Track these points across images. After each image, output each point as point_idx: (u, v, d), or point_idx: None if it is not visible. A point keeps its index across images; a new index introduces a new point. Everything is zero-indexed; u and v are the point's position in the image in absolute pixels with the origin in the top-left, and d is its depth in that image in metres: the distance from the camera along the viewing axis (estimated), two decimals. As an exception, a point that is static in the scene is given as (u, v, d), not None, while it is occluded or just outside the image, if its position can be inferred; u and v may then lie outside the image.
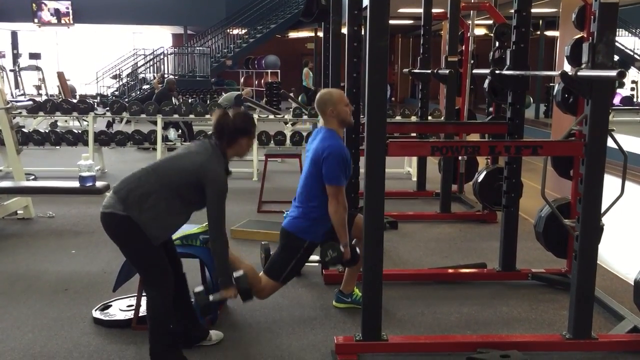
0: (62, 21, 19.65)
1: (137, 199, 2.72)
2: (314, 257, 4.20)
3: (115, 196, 2.75)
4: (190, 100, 13.34)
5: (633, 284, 2.98)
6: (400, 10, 14.27)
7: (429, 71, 6.23)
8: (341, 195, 3.25)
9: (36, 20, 19.48)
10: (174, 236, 3.31)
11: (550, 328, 3.38)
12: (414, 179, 7.33)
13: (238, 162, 8.33)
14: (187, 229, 3.41)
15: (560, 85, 3.53)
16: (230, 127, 2.91)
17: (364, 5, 3.71)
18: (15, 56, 21.70)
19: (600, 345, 3.03)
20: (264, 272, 3.40)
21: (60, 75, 15.51)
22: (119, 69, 20.55)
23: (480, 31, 15.42)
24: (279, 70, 20.58)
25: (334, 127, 3.36)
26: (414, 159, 7.56)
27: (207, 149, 2.88)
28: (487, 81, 4.84)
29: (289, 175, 7.45)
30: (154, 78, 15.94)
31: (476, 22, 6.25)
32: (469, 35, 6.16)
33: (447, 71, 5.79)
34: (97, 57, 22.36)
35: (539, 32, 15.86)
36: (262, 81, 20.65)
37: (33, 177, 6.93)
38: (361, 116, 3.79)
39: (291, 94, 13.31)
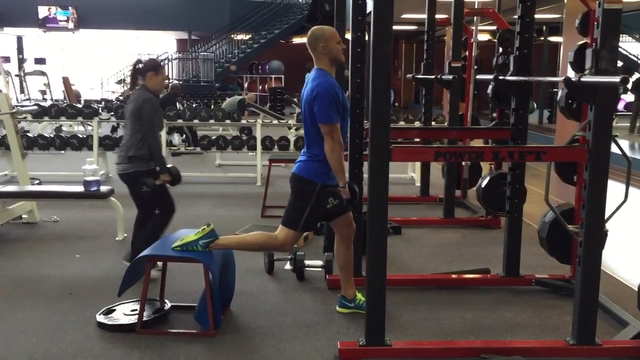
0: (67, 26, 19.74)
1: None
2: (317, 262, 4.22)
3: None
4: (194, 105, 13.38)
5: (637, 289, 2.97)
6: (404, 15, 14.30)
7: (433, 77, 6.23)
8: (336, 133, 3.18)
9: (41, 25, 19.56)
10: (174, 244, 3.34)
11: (554, 334, 3.37)
12: (418, 184, 7.34)
13: (242, 167, 8.41)
14: (185, 234, 3.41)
15: (564, 91, 3.53)
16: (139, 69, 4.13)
17: (367, 11, 3.74)
18: (21, 61, 21.84)
19: (604, 351, 3.02)
20: (282, 225, 3.37)
21: (65, 80, 15.59)
22: (123, 74, 20.63)
23: (483, 37, 15.43)
24: (282, 76, 20.63)
25: (324, 66, 3.30)
26: (418, 164, 7.57)
27: (136, 94, 4.11)
28: (490, 87, 4.83)
29: (293, 180, 7.45)
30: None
31: (480, 27, 6.26)
32: (472, 40, 6.17)
33: (451, 77, 5.79)
34: (102, 62, 22.47)
35: (542, 38, 15.87)
36: (266, 86, 20.69)
37: (38, 181, 6.95)
38: (365, 121, 3.80)
39: (295, 99, 13.33)
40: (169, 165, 4.21)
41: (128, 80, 19.43)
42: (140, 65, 4.16)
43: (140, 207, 4.22)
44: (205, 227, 3.37)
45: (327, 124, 3.18)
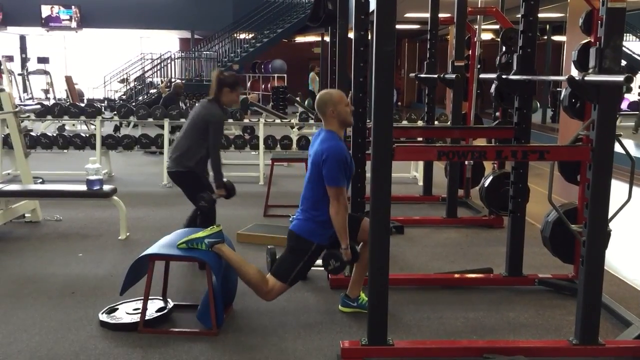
0: (70, 25, 19.77)
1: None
2: (320, 262, 4.22)
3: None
4: (197, 104, 13.36)
5: (640, 289, 2.96)
6: (407, 14, 14.28)
7: (436, 76, 6.23)
8: (342, 197, 3.25)
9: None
10: (180, 241, 3.34)
11: (557, 334, 3.37)
12: (420, 183, 7.33)
13: (245, 167, 8.40)
14: (191, 233, 3.42)
15: (568, 90, 3.52)
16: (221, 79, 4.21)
17: (370, 10, 3.73)
18: (24, 60, 21.87)
19: (608, 351, 3.02)
20: (271, 274, 3.41)
21: (68, 79, 15.61)
22: (126, 73, 20.65)
23: (487, 36, 15.40)
24: (285, 75, 20.62)
25: (334, 128, 3.35)
26: (420, 164, 7.56)
27: (208, 105, 4.28)
28: (493, 86, 4.83)
29: (295, 180, 7.45)
30: (162, 82, 15.99)
31: (483, 26, 6.24)
32: (475, 39, 6.16)
33: (454, 76, 5.79)
34: (105, 61, 22.50)
35: (545, 37, 15.83)
36: (269, 85, 20.69)
37: (41, 180, 6.96)
38: (367, 120, 3.79)
39: (297, 98, 13.32)
40: (224, 180, 4.35)
41: (131, 79, 19.53)
42: (222, 77, 4.26)
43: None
44: (215, 226, 3.38)
45: (334, 187, 3.24)
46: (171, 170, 4.31)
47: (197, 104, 4.51)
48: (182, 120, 8.10)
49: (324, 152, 3.25)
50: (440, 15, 6.35)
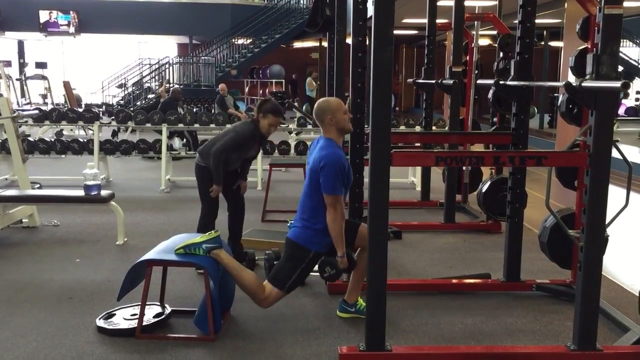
0: (68, 30, 19.78)
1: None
2: (316, 268, 4.21)
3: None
4: (195, 110, 13.37)
5: (638, 295, 2.96)
6: (405, 20, 14.33)
7: (433, 81, 6.24)
8: (339, 205, 3.25)
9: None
10: (177, 247, 3.34)
11: (555, 339, 3.37)
12: (418, 188, 7.33)
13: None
14: (189, 238, 3.42)
15: (565, 95, 3.54)
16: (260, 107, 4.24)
17: (368, 16, 3.74)
18: (22, 65, 21.85)
19: (605, 356, 3.02)
20: (268, 281, 3.40)
21: (66, 85, 15.60)
22: (124, 78, 20.64)
23: (484, 42, 15.45)
24: (283, 80, 20.64)
25: (332, 136, 3.35)
26: (418, 169, 7.57)
27: (244, 123, 4.43)
28: (491, 91, 4.84)
29: (293, 185, 7.45)
30: (161, 85, 15.98)
31: (480, 32, 6.26)
32: (473, 45, 6.18)
33: (452, 81, 5.80)
34: (103, 66, 22.49)
35: (543, 43, 15.89)
36: (267, 91, 20.71)
37: (38, 185, 6.95)
38: (365, 126, 3.80)
39: (295, 104, 13.33)
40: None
41: (129, 84, 19.52)
42: (266, 102, 4.30)
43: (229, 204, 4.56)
44: (212, 232, 3.38)
45: (331, 195, 3.24)
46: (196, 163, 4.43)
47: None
48: (180, 125, 8.11)
49: (322, 159, 3.25)
50: (438, 21, 6.37)
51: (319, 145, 3.36)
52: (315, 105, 3.42)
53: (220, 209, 4.41)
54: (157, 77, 18.84)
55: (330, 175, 3.22)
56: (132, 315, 3.46)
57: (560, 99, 3.69)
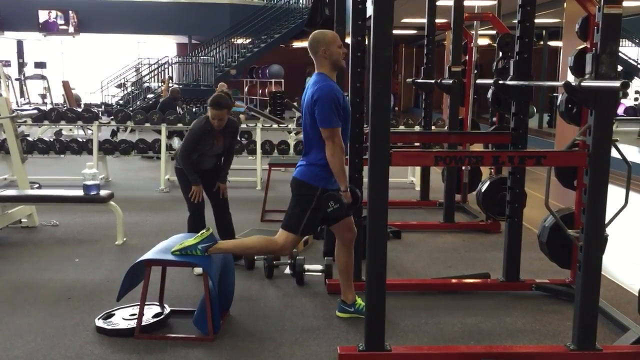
0: (68, 30, 19.78)
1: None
2: (317, 267, 4.22)
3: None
4: (194, 110, 13.36)
5: (637, 294, 2.96)
6: (404, 20, 14.33)
7: (433, 81, 6.24)
8: (337, 137, 3.17)
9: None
10: (174, 248, 3.34)
11: (554, 339, 3.37)
12: (417, 188, 7.33)
13: (242, 172, 8.40)
14: (184, 239, 3.40)
15: (564, 95, 3.53)
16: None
17: (367, 15, 3.74)
18: (21, 65, 21.86)
19: (605, 356, 3.01)
20: (281, 227, 3.37)
21: (66, 84, 15.61)
22: (123, 78, 20.64)
23: (483, 41, 15.45)
24: (282, 80, 20.63)
25: (325, 71, 3.28)
26: (418, 169, 7.56)
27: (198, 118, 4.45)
28: (490, 91, 4.84)
29: (293, 185, 7.44)
30: (163, 83, 15.95)
31: (479, 32, 6.26)
32: (472, 45, 6.18)
33: (451, 81, 5.80)
34: (102, 66, 22.48)
35: (542, 43, 15.89)
36: (266, 90, 20.70)
37: (37, 185, 6.95)
38: (365, 125, 3.79)
39: (295, 103, 13.32)
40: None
41: (128, 84, 19.53)
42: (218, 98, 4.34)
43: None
44: (204, 231, 3.36)
45: (327, 128, 3.17)
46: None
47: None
48: (180, 125, 8.11)
49: (315, 93, 3.18)
50: (437, 20, 6.37)
51: (312, 80, 3.29)
52: (310, 37, 3.33)
53: (207, 208, 4.41)
54: (160, 75, 18.82)
55: (325, 107, 3.14)
56: (131, 315, 3.46)
57: (560, 98, 3.69)
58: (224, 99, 4.30)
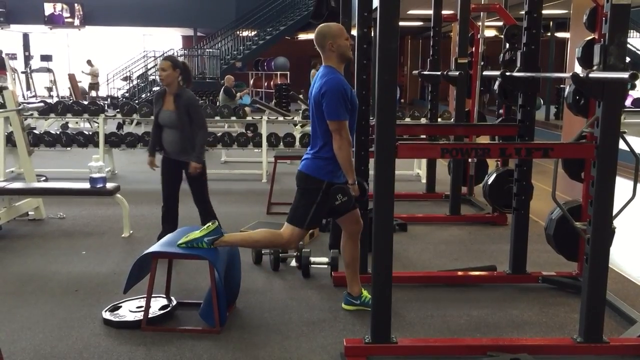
0: (73, 23, 19.79)
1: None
2: (323, 259, 4.22)
3: None
4: (199, 102, 13.29)
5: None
6: (410, 11, 14.25)
7: (439, 73, 6.21)
8: (344, 130, 3.17)
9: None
10: (180, 241, 3.34)
11: (561, 331, 3.36)
12: (424, 181, 7.32)
13: (248, 164, 8.41)
14: (190, 232, 3.40)
15: (572, 87, 3.51)
16: None
17: (373, 7, 3.72)
18: (27, 58, 21.92)
19: (612, 349, 3.01)
20: (287, 221, 3.37)
21: (71, 77, 15.63)
22: (129, 70, 20.66)
23: (490, 33, 15.37)
24: (288, 72, 20.61)
25: (332, 64, 3.27)
26: (424, 161, 7.54)
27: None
28: (497, 83, 4.82)
29: (298, 177, 7.44)
30: None
31: (486, 23, 6.22)
32: (479, 36, 6.14)
33: (457, 73, 5.77)
34: (108, 59, 22.49)
35: (549, 34, 15.78)
36: (272, 83, 20.67)
37: (44, 178, 6.97)
38: (371, 118, 3.78)
39: (300, 96, 13.30)
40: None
41: (133, 77, 19.55)
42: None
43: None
44: (210, 224, 3.36)
45: (335, 121, 3.16)
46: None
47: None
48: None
49: (322, 86, 3.18)
50: (444, 12, 6.33)
51: (320, 74, 3.28)
52: (316, 30, 3.32)
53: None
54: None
55: (332, 100, 3.14)
56: (137, 307, 3.47)
57: (567, 90, 3.66)
58: (175, 58, 4.61)
